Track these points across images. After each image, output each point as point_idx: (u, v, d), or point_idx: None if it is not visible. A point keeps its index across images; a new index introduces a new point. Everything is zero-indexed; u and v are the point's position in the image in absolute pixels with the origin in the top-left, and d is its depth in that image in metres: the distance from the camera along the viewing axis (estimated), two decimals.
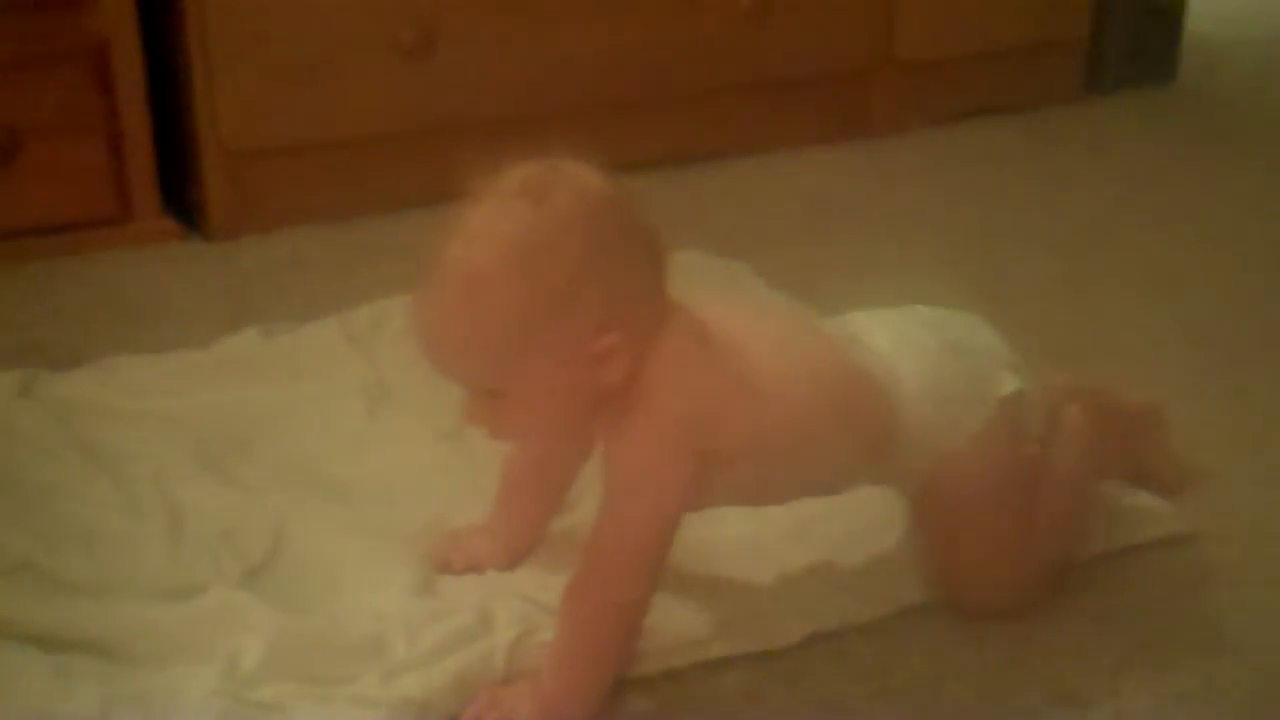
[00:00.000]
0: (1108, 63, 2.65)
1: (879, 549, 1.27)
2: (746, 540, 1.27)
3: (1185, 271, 1.91)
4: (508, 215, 1.05)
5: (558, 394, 1.07)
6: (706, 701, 1.11)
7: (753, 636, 1.17)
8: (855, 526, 1.29)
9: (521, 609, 1.17)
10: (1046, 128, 2.46)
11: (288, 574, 1.24)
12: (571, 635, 1.10)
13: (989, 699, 1.12)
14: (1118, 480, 1.33)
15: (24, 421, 1.45)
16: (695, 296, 1.14)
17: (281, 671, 1.09)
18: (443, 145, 2.03)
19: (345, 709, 1.06)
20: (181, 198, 2.01)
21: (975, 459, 1.17)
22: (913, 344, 1.19)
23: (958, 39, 2.41)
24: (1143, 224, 2.09)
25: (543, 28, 2.07)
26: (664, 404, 1.09)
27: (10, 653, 1.12)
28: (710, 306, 1.15)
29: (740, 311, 1.19)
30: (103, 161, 1.92)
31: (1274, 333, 1.74)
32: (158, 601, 1.18)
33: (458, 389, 1.10)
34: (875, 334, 1.20)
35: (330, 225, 1.97)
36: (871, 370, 1.16)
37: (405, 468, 1.39)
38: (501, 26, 2.04)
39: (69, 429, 1.44)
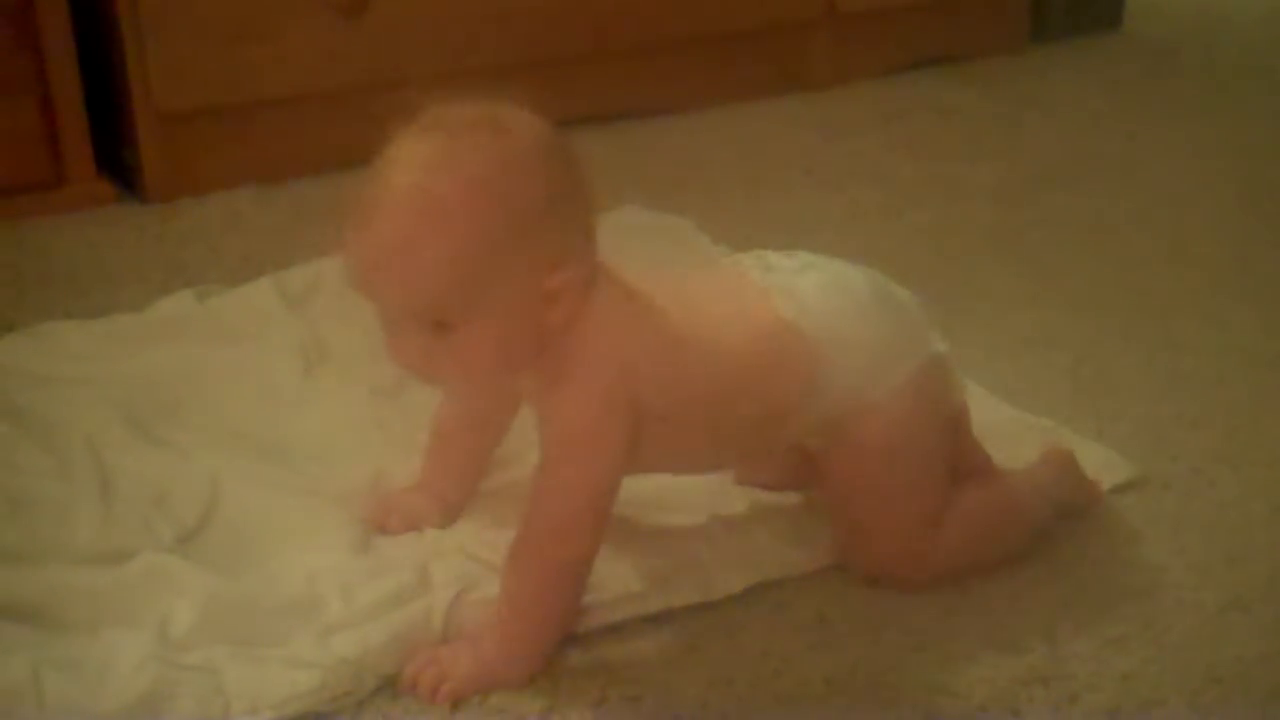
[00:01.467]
0: (1052, 11, 2.65)
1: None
2: (683, 487, 1.26)
3: (1124, 220, 1.92)
4: (469, 145, 1.04)
5: (505, 331, 1.05)
6: (645, 654, 1.11)
7: (692, 588, 1.16)
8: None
9: (460, 566, 1.16)
10: (990, 77, 2.46)
11: (222, 536, 1.23)
12: (517, 596, 1.09)
13: (927, 647, 1.12)
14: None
15: None
16: (617, 258, 1.13)
17: (214, 634, 1.08)
18: (378, 105, 2.01)
19: (279, 670, 1.05)
20: (116, 160, 1.98)
21: (895, 411, 1.15)
22: (843, 290, 1.18)
23: None
24: (1085, 173, 2.09)
25: None
26: (597, 359, 1.08)
27: None
28: (633, 266, 1.14)
29: (665, 270, 1.18)
30: (34, 124, 1.89)
31: (1212, 278, 1.74)
32: (89, 567, 1.17)
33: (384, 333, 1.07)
34: (805, 277, 1.18)
35: (266, 186, 1.95)
36: (798, 321, 1.15)
37: (342, 426, 1.38)
38: None
39: None
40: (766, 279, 1.18)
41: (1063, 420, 1.40)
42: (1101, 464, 1.33)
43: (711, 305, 1.16)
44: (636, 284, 1.12)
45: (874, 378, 1.16)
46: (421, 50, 2.02)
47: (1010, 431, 1.35)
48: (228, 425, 1.38)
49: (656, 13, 2.19)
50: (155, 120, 1.92)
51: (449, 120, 1.06)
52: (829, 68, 2.39)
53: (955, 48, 2.52)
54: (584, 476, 1.09)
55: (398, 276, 1.03)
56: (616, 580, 1.16)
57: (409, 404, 1.37)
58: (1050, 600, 1.17)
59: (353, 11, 1.96)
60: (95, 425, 1.36)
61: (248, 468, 1.31)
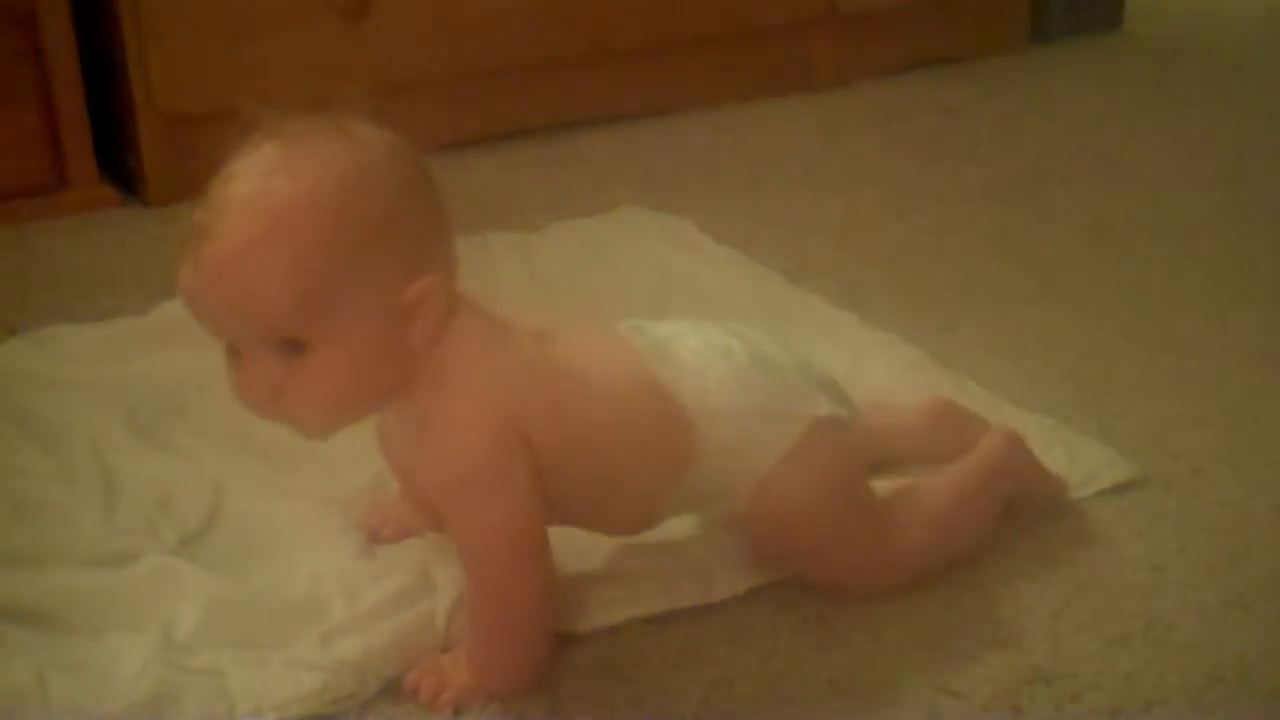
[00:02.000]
0: (1052, 11, 2.65)
1: None
2: None
3: (1125, 219, 1.92)
4: (309, 152, 0.99)
5: (362, 350, 0.99)
6: (648, 655, 1.11)
7: (694, 590, 1.16)
8: None
9: (461, 570, 1.16)
10: (991, 78, 2.46)
11: (226, 539, 1.23)
12: (489, 632, 1.07)
13: (928, 646, 1.12)
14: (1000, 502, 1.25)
15: None
16: (481, 295, 1.08)
17: (218, 637, 1.08)
18: (380, 105, 2.01)
19: (283, 673, 1.05)
20: (119, 164, 1.99)
21: (789, 479, 1.11)
22: (720, 354, 1.12)
23: None
24: (1085, 173, 2.09)
25: None
26: (473, 386, 1.03)
27: None
28: (498, 303, 1.09)
29: (538, 312, 1.14)
30: (36, 129, 1.90)
31: (1213, 277, 1.74)
32: (93, 569, 1.17)
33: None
34: (683, 340, 1.13)
35: None
36: (673, 385, 1.10)
37: (342, 432, 1.37)
38: None
39: (3, 399, 1.42)
40: (642, 340, 1.13)
41: (1064, 420, 1.40)
42: (1102, 463, 1.33)
43: (587, 351, 1.10)
44: (503, 317, 1.07)
45: (751, 448, 1.11)
46: (423, 53, 2.03)
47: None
48: (231, 428, 1.37)
49: (657, 14, 2.19)
50: (157, 123, 1.92)
51: (289, 130, 1.00)
52: (830, 68, 2.40)
53: (956, 48, 2.52)
54: (495, 520, 1.04)
55: (237, 289, 0.97)
56: (618, 582, 1.16)
57: None
58: (1052, 600, 1.17)
59: (354, 14, 1.96)
60: (99, 428, 1.37)
61: (251, 471, 1.31)
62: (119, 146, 1.98)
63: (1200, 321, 1.63)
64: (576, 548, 1.16)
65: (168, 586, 1.14)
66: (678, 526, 1.23)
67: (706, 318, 1.55)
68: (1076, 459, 1.33)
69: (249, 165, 1.00)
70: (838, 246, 1.84)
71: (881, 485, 1.22)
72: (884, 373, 1.47)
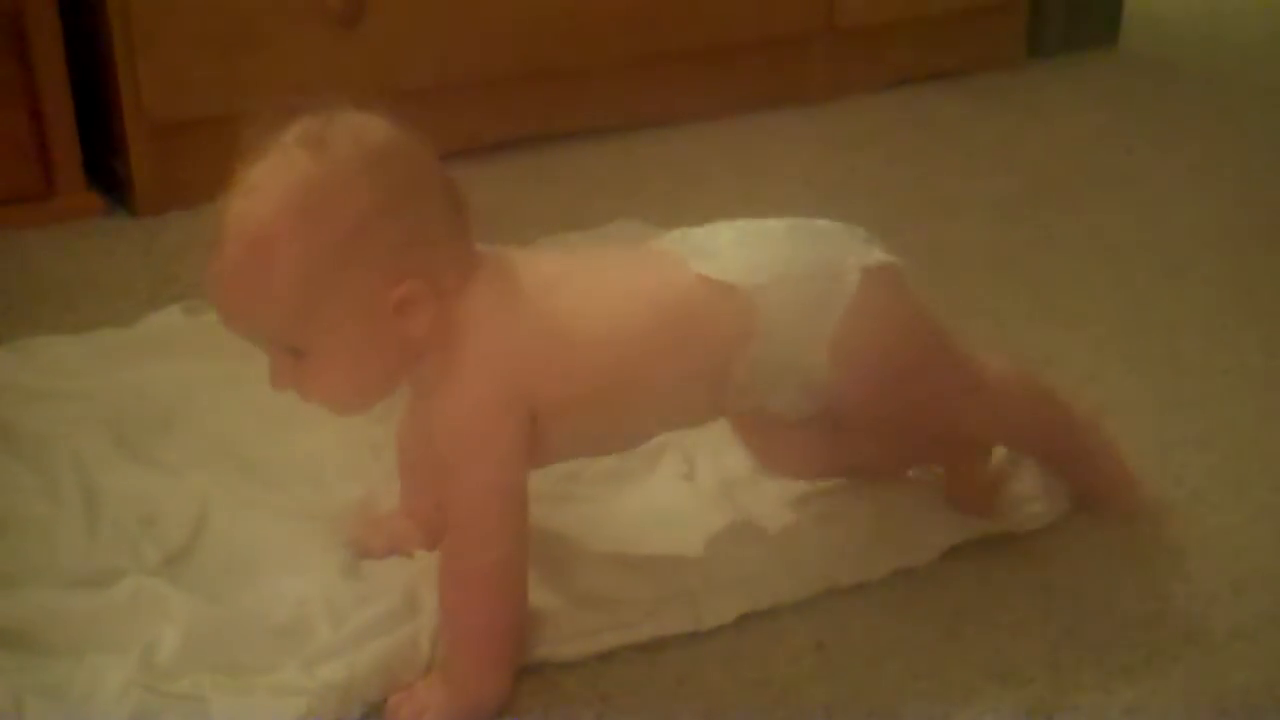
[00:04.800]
0: (1049, 26, 2.64)
1: (812, 512, 1.26)
2: (676, 511, 1.26)
3: (1123, 237, 1.90)
4: (287, 166, 1.02)
5: (360, 349, 1.05)
6: (641, 683, 1.09)
7: (685, 616, 1.14)
8: (789, 492, 1.28)
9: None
10: (988, 93, 2.45)
11: (209, 559, 1.20)
12: (455, 611, 1.08)
13: (926, 675, 1.10)
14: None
15: None
16: (512, 246, 1.14)
17: (200, 661, 1.06)
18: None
19: (266, 699, 1.03)
20: (106, 172, 1.96)
21: (861, 327, 1.13)
22: (757, 234, 1.17)
23: (897, 4, 2.39)
24: (1084, 188, 2.08)
25: None
26: (478, 360, 1.06)
27: None
28: (528, 253, 1.14)
29: (564, 254, 1.18)
30: (23, 135, 1.87)
31: (1214, 296, 1.73)
32: (74, 590, 1.14)
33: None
34: (719, 235, 1.16)
35: None
36: (722, 275, 1.12)
37: (333, 446, 1.35)
38: None
39: None
40: (683, 246, 1.16)
41: None
42: None
43: (622, 280, 1.14)
44: (528, 272, 1.10)
45: (816, 307, 1.13)
46: (417, 61, 2.01)
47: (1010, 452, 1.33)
48: (217, 443, 1.36)
49: (654, 25, 2.17)
50: (146, 131, 1.90)
51: (278, 140, 1.04)
52: (827, 82, 2.38)
53: (953, 63, 2.51)
54: (487, 479, 1.07)
55: (237, 307, 1.04)
56: (603, 608, 1.14)
57: None
58: (1053, 629, 1.15)
59: (348, 22, 1.94)
60: (82, 442, 1.34)
61: (238, 486, 1.29)
62: (107, 154, 1.95)
63: (1201, 342, 1.61)
64: (559, 569, 1.15)
65: (149, 608, 1.11)
66: (665, 548, 1.21)
67: None
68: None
69: (241, 181, 1.04)
70: None
71: None
72: None
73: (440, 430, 1.08)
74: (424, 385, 1.10)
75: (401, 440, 1.23)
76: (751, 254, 1.14)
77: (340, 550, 1.20)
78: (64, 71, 1.86)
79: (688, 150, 2.18)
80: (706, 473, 1.31)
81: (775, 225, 1.18)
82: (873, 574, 1.20)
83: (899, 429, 1.24)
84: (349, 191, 1.02)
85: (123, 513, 1.25)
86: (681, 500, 1.28)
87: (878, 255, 1.17)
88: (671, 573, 1.18)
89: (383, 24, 1.97)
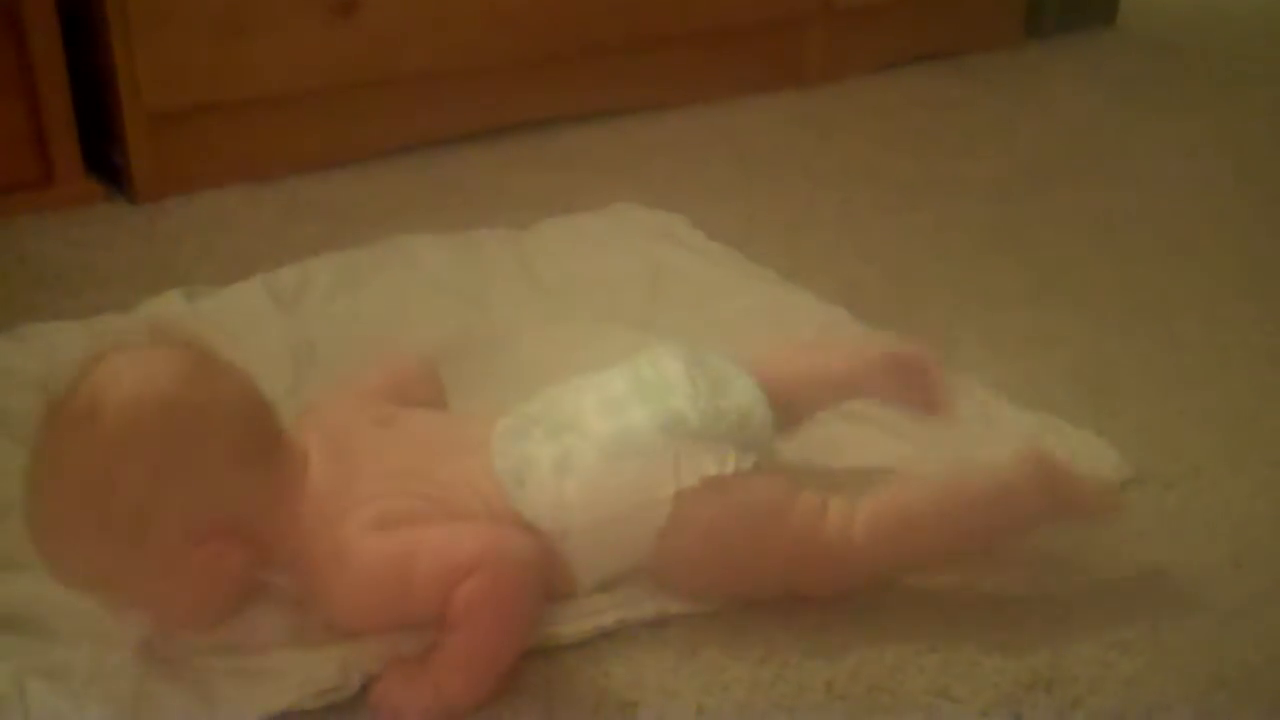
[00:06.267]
0: (1047, 7, 2.64)
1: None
2: None
3: (1123, 215, 1.90)
4: (69, 443, 1.01)
5: (179, 594, 1.05)
6: (642, 661, 1.09)
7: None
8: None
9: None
10: (985, 73, 2.45)
11: None
12: (461, 627, 1.04)
13: (927, 650, 1.10)
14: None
15: None
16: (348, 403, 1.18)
17: (200, 641, 1.06)
18: (369, 102, 2.00)
19: (264, 674, 1.03)
20: (105, 159, 1.96)
21: (674, 549, 1.10)
22: (591, 449, 1.11)
23: None
24: (1082, 168, 2.08)
25: None
26: (335, 561, 1.04)
27: None
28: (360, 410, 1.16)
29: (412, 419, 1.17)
30: (21, 123, 1.87)
31: (1213, 274, 1.73)
32: None
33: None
34: (552, 440, 1.11)
35: (256, 185, 1.94)
36: (531, 512, 1.09)
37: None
38: None
39: None
40: (506, 456, 1.11)
41: (1063, 419, 1.38)
42: (1101, 462, 1.31)
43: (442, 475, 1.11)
44: (357, 441, 1.12)
45: (626, 538, 1.11)
46: (413, 48, 2.01)
47: (1010, 431, 1.33)
48: None
49: (650, 9, 2.17)
50: (144, 119, 1.89)
51: (67, 400, 1.02)
52: (824, 64, 2.38)
53: (950, 43, 2.51)
54: (438, 547, 1.05)
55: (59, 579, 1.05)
56: (608, 590, 1.14)
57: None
58: (1052, 603, 1.15)
59: (343, 9, 1.94)
60: None
61: None
62: (105, 142, 1.95)
63: (1200, 319, 1.61)
64: None
65: None
66: None
67: (696, 316, 1.55)
68: (1074, 458, 1.30)
69: (42, 445, 1.05)
70: (832, 243, 1.82)
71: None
72: None
73: (344, 611, 1.06)
74: (295, 581, 1.08)
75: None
76: (564, 486, 1.09)
77: None
78: (62, 59, 1.85)
79: (685, 133, 2.18)
80: None
81: (604, 430, 1.11)
82: None
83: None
84: (121, 472, 1.00)
85: None
86: None
87: (709, 464, 1.10)
88: None
89: (378, 10, 1.97)
